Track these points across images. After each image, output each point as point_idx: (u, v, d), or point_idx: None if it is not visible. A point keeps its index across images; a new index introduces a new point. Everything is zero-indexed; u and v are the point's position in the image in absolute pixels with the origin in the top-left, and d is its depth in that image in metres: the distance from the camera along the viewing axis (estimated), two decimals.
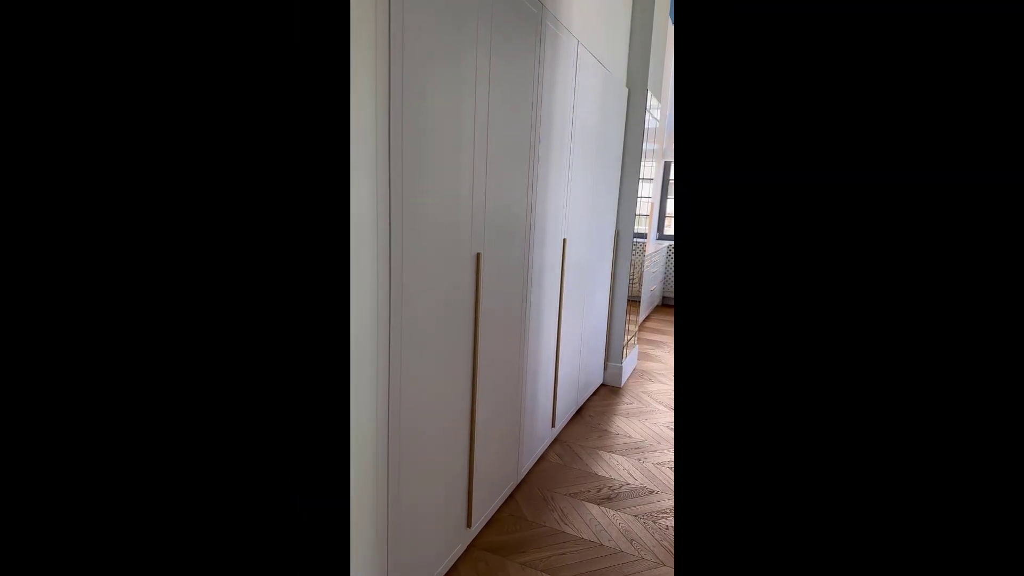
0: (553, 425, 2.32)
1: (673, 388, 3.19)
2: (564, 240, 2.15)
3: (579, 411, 2.73)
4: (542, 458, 2.22)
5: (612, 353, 3.13)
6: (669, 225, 5.61)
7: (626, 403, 2.89)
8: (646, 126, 2.93)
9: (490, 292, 1.54)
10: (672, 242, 5.58)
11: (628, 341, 3.28)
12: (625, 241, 3.01)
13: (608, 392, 3.04)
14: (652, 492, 2.01)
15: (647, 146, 3.08)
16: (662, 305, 5.54)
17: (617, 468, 2.18)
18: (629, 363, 3.37)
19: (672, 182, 5.45)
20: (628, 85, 2.88)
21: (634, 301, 3.32)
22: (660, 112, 3.46)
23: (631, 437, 2.47)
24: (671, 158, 5.24)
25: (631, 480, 2.09)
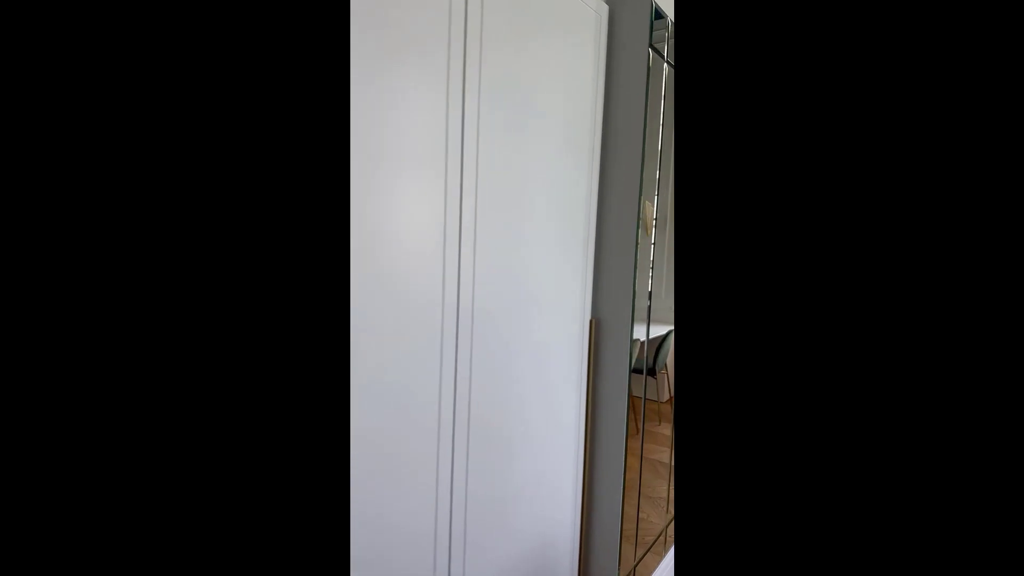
0: None
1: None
2: None
3: None
4: None
5: None
6: None
7: None
8: (665, 103, 1.36)
9: None
10: None
11: (644, 554, 1.52)
12: (615, 338, 1.36)
13: None
14: None
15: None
16: None
17: None
18: None
19: None
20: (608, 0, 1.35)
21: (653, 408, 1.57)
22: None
23: None
24: None
25: None
